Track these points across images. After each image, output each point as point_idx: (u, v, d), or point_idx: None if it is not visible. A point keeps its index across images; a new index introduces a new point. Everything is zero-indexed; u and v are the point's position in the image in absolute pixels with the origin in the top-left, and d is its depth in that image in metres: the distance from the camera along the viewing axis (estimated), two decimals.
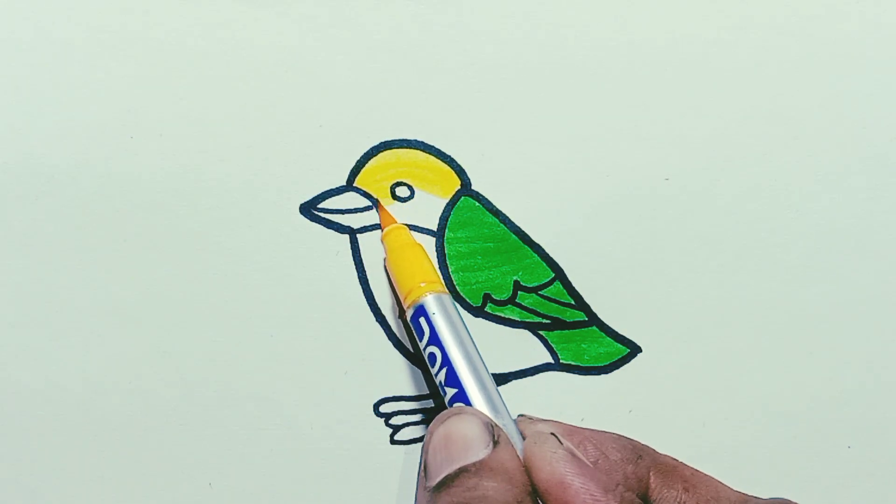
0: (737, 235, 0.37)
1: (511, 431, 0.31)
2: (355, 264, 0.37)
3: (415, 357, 0.37)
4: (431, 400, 0.37)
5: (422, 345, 0.34)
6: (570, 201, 0.37)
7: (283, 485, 0.37)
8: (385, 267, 0.37)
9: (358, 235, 0.37)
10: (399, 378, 0.37)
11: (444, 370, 0.33)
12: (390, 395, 0.37)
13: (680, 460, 0.32)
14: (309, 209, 0.37)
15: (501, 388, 0.37)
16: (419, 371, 0.37)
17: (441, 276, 0.36)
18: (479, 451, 0.29)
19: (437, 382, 0.33)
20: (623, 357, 0.37)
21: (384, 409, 0.37)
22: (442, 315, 0.34)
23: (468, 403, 0.32)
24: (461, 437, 0.30)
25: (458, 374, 0.32)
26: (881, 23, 0.36)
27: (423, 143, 0.37)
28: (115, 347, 0.37)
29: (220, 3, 0.36)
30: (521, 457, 0.30)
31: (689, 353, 0.37)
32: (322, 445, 0.37)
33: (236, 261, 0.37)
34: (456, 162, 0.37)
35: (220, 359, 0.37)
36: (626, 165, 0.36)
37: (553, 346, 0.37)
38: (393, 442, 0.37)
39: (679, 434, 0.37)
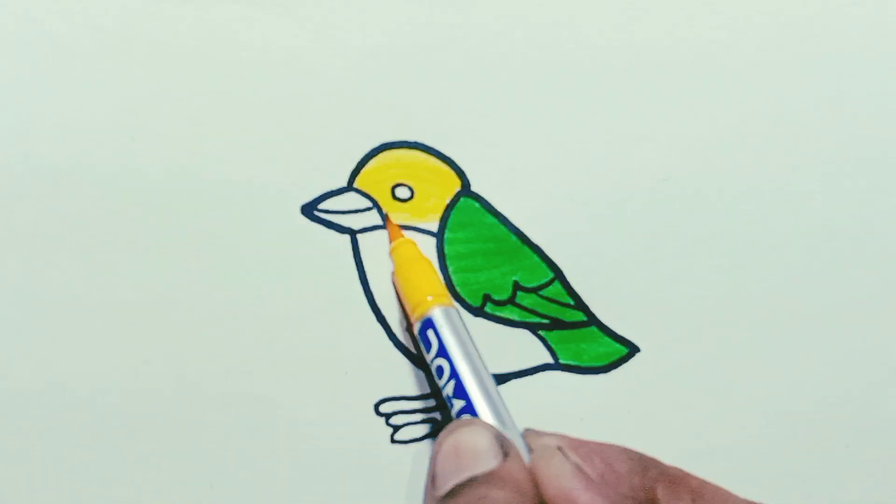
0: (736, 235, 0.37)
1: (518, 445, 0.31)
2: (355, 264, 0.37)
3: (415, 357, 0.37)
4: (432, 400, 0.37)
5: (429, 357, 0.34)
6: (569, 201, 0.37)
7: (283, 485, 0.37)
8: (393, 281, 0.37)
9: (358, 236, 0.37)
10: (399, 378, 0.37)
11: (451, 382, 0.33)
12: (390, 395, 0.37)
13: (687, 471, 0.31)
14: (309, 210, 0.37)
15: (501, 388, 0.37)
16: (419, 371, 0.37)
17: (448, 290, 0.36)
18: (488, 461, 0.29)
19: (445, 395, 0.33)
20: (622, 357, 0.37)
21: (384, 409, 0.37)
22: (449, 328, 0.34)
23: (475, 416, 0.32)
24: (471, 447, 0.30)
25: (465, 386, 0.33)
26: (881, 23, 0.36)
27: (423, 144, 0.37)
28: (115, 347, 0.37)
29: (220, 3, 0.36)
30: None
31: (689, 353, 0.37)
32: (322, 445, 0.37)
33: (236, 261, 0.37)
34: (456, 163, 0.37)
35: (220, 359, 0.37)
36: (626, 165, 0.37)
37: (552, 346, 0.37)
38: (393, 442, 0.37)
39: (679, 434, 0.37)
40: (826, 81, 0.36)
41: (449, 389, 0.33)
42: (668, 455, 0.37)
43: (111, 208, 0.36)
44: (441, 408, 0.37)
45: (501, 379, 0.37)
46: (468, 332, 0.34)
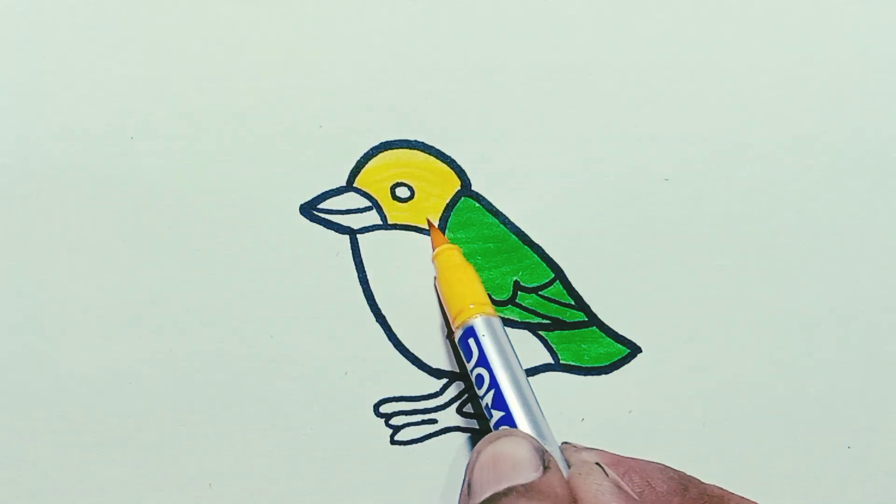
0: (737, 235, 0.37)
1: (556, 458, 0.30)
2: (355, 264, 0.37)
3: (415, 357, 0.37)
4: (432, 401, 0.37)
5: (469, 366, 0.34)
6: (569, 201, 0.37)
7: (283, 485, 0.37)
8: (435, 286, 0.37)
9: (358, 236, 0.37)
10: (399, 378, 0.37)
11: (491, 392, 0.33)
12: (390, 395, 0.37)
13: (727, 489, 0.31)
14: (309, 209, 0.37)
15: None
16: (419, 371, 0.37)
17: (488, 297, 0.36)
18: (528, 473, 0.29)
19: (484, 405, 0.33)
20: (623, 357, 0.37)
21: (384, 409, 0.37)
22: (491, 338, 0.33)
23: (514, 427, 0.32)
24: (510, 458, 0.29)
25: (505, 397, 0.32)
26: (881, 23, 0.36)
27: (423, 143, 0.37)
28: (115, 347, 0.37)
29: (220, 3, 0.36)
30: None
31: (689, 353, 0.37)
32: (322, 445, 0.37)
33: (236, 261, 0.37)
34: (456, 162, 0.37)
35: (220, 359, 0.37)
36: (626, 165, 0.36)
37: (553, 346, 0.37)
38: (393, 442, 0.37)
39: (679, 434, 0.37)
40: (826, 81, 0.36)
41: (488, 399, 0.33)
42: (669, 455, 0.37)
43: (111, 208, 0.36)
44: (442, 409, 0.37)
45: None
46: (510, 343, 0.34)
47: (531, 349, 0.37)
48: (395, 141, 0.37)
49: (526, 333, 0.37)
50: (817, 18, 0.36)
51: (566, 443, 0.33)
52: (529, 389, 0.33)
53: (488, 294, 0.37)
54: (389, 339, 0.37)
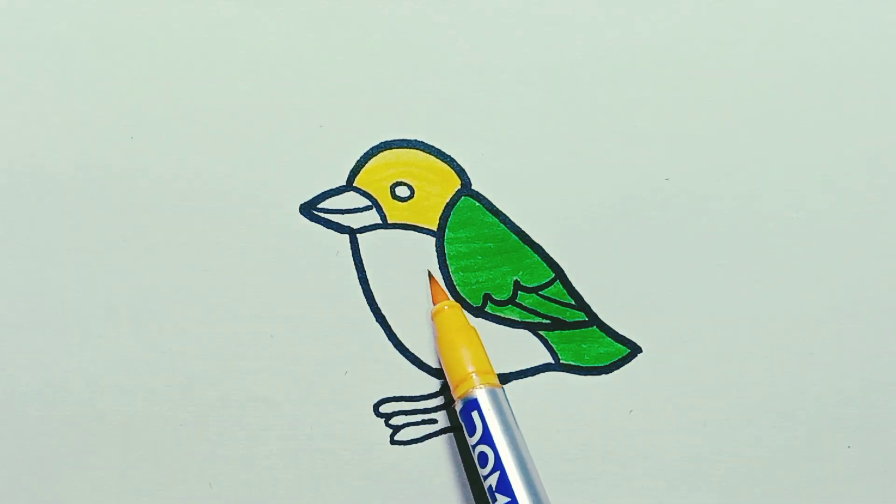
0: (737, 235, 0.37)
1: None
2: (355, 264, 0.37)
3: (415, 357, 0.37)
4: (432, 400, 0.37)
5: (471, 441, 0.33)
6: (569, 201, 0.37)
7: (283, 485, 0.37)
8: (435, 346, 0.36)
9: (358, 235, 0.37)
10: (399, 378, 0.37)
11: (495, 475, 0.32)
12: (390, 395, 0.37)
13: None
14: (309, 209, 0.37)
15: None
16: (419, 371, 0.37)
17: (492, 365, 0.35)
18: None
19: (486, 486, 0.32)
20: (623, 357, 0.37)
21: (384, 409, 0.37)
22: (496, 413, 0.33)
23: None
24: None
25: (510, 482, 0.32)
26: (881, 23, 0.36)
27: (423, 143, 0.37)
28: (115, 347, 0.37)
29: (220, 3, 0.36)
30: None
31: (689, 353, 0.37)
32: (322, 445, 0.37)
33: (236, 261, 0.37)
34: (456, 162, 0.37)
35: (220, 359, 0.37)
36: (626, 165, 0.36)
37: (553, 346, 0.37)
38: (393, 442, 0.37)
39: (679, 434, 0.37)
40: (827, 81, 0.36)
41: (492, 481, 0.32)
42: (670, 455, 0.37)
43: (111, 208, 0.36)
44: (441, 409, 0.37)
45: (502, 379, 0.37)
46: (513, 416, 0.33)
47: (531, 349, 0.37)
48: (395, 140, 0.37)
49: (526, 333, 0.37)
50: (817, 18, 0.36)
51: None
52: (535, 471, 0.32)
53: (489, 294, 0.37)
54: (389, 338, 0.37)
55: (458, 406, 0.34)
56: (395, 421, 0.37)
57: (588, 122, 0.36)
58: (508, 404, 0.34)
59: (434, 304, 0.36)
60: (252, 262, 0.37)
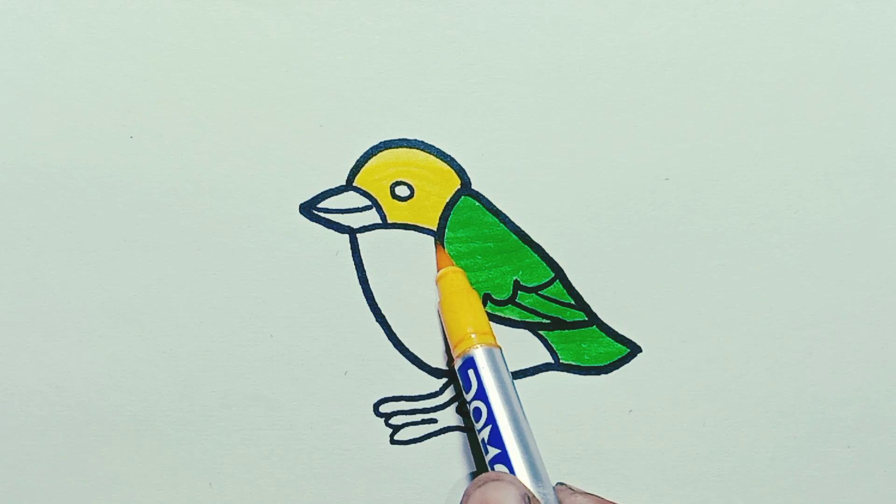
0: (737, 235, 0.37)
1: (550, 500, 0.31)
2: (355, 264, 0.37)
3: (415, 357, 0.37)
4: (431, 400, 0.37)
5: (467, 397, 0.34)
6: (570, 201, 0.37)
7: (282, 485, 0.37)
8: (438, 310, 0.36)
9: (358, 235, 0.37)
10: (399, 378, 0.37)
11: (488, 428, 0.32)
12: (390, 395, 0.37)
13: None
14: (309, 209, 0.37)
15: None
16: (419, 371, 0.37)
17: (491, 327, 0.35)
18: None
19: (480, 439, 0.33)
20: (623, 357, 0.37)
21: (384, 409, 0.37)
22: (491, 370, 0.33)
23: (510, 466, 0.32)
24: None
25: (502, 434, 0.32)
26: (881, 23, 0.36)
27: (423, 142, 0.37)
28: (115, 347, 0.37)
29: (220, 3, 0.36)
30: None
31: (689, 353, 0.37)
32: (322, 445, 0.37)
33: (236, 261, 0.37)
34: (456, 162, 0.37)
35: (220, 359, 0.37)
36: (626, 165, 0.36)
37: (553, 345, 0.37)
38: (393, 442, 0.37)
39: (679, 434, 0.37)
40: (826, 81, 0.36)
41: (485, 434, 0.32)
42: (669, 455, 0.37)
43: (110, 208, 0.36)
44: (441, 409, 0.37)
45: None
46: (510, 375, 0.34)
47: (531, 349, 0.37)
48: (395, 140, 0.37)
49: (526, 333, 0.37)
50: (817, 18, 0.36)
51: (561, 483, 0.33)
52: (528, 427, 0.33)
53: (488, 293, 0.37)
54: (389, 338, 0.37)
55: (457, 364, 0.34)
56: (395, 421, 0.37)
57: (588, 122, 0.36)
58: (505, 364, 0.34)
59: (438, 270, 0.36)
60: (252, 262, 0.37)
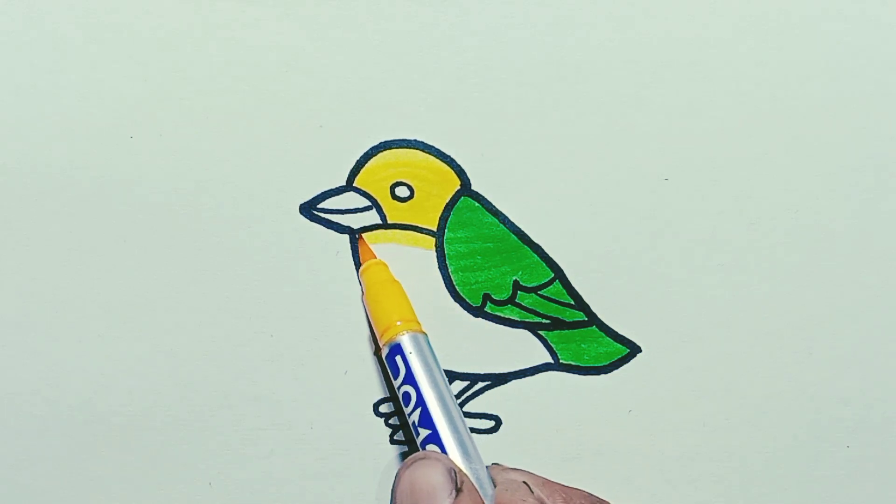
0: (737, 235, 0.37)
1: (482, 477, 0.31)
2: (355, 264, 0.37)
3: None
4: None
5: (396, 384, 0.34)
6: (569, 201, 0.37)
7: (283, 485, 0.37)
8: (363, 302, 0.37)
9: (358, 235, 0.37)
10: None
11: (417, 410, 0.33)
12: (390, 395, 0.37)
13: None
14: (309, 209, 0.37)
15: (501, 388, 0.37)
16: None
17: (417, 316, 0.36)
18: (442, 498, 0.30)
19: (411, 423, 0.33)
20: (623, 357, 0.37)
21: (384, 408, 0.37)
22: (418, 355, 0.34)
23: (441, 445, 0.32)
24: (426, 484, 0.30)
25: (431, 415, 0.33)
26: (881, 23, 0.36)
27: (422, 143, 0.37)
28: (115, 347, 0.37)
29: (220, 3, 0.36)
30: None
31: (689, 353, 0.37)
32: (322, 445, 0.37)
33: (236, 261, 0.37)
34: (456, 162, 0.37)
35: (220, 359, 0.37)
36: (626, 165, 0.36)
37: (553, 345, 0.37)
38: (393, 442, 0.37)
39: (679, 434, 0.37)
40: (827, 81, 0.36)
41: (415, 417, 0.33)
42: (669, 455, 0.37)
43: (111, 208, 0.36)
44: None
45: (502, 379, 0.37)
46: (436, 360, 0.34)
47: (531, 349, 0.37)
48: (395, 140, 0.37)
49: (525, 333, 0.37)
50: (817, 18, 0.36)
51: (495, 464, 0.34)
52: (456, 407, 0.33)
53: (488, 293, 0.37)
54: None
55: (384, 353, 0.35)
56: (394, 421, 0.37)
57: (588, 122, 0.36)
58: (431, 350, 0.34)
59: (361, 264, 0.36)
60: (252, 262, 0.37)
